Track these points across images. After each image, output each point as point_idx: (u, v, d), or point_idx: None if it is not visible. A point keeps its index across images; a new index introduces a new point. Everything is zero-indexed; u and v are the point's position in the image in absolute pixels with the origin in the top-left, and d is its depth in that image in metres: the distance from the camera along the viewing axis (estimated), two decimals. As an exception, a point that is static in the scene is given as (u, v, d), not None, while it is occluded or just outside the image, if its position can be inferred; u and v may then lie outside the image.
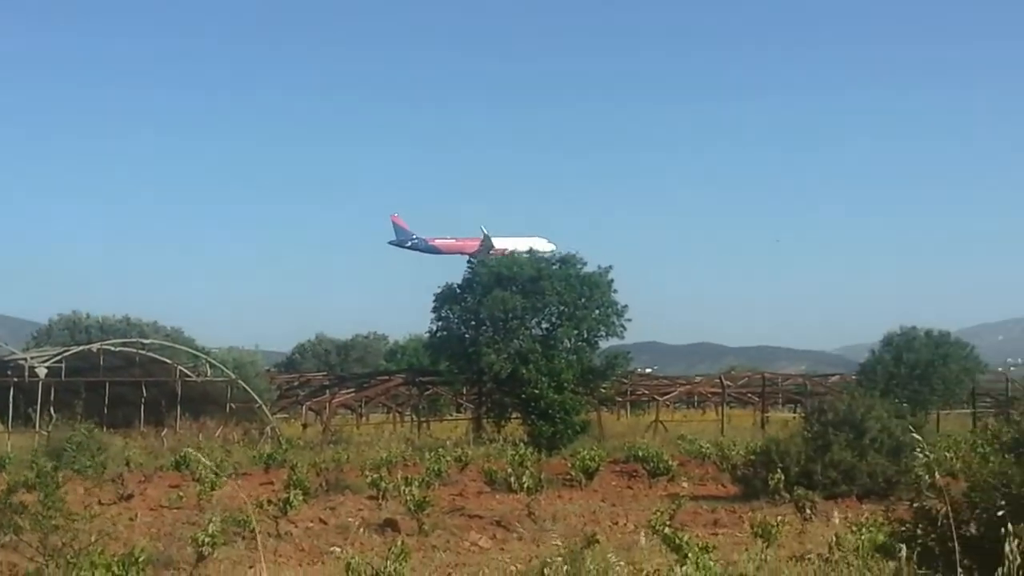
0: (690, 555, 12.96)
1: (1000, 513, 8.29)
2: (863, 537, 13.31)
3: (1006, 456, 8.76)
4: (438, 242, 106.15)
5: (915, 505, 9.33)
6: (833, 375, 78.13)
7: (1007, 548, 7.57)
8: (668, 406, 65.06)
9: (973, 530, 8.86)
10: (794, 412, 63.89)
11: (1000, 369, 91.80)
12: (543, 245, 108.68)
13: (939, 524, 8.55)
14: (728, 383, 63.92)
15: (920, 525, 9.01)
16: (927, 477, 8.94)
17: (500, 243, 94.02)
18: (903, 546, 9.05)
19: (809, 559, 14.43)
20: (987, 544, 8.15)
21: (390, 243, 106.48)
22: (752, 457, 28.80)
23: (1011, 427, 9.39)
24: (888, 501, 17.55)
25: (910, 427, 19.63)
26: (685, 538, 13.91)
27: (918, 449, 8.77)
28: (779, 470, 25.56)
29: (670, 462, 31.57)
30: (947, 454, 20.05)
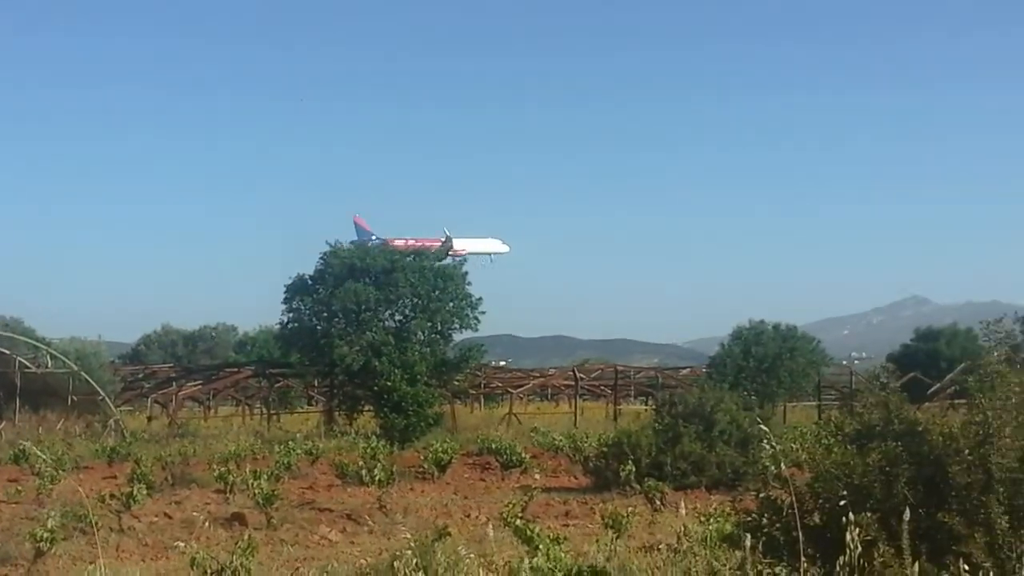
0: (541, 547, 12.97)
1: (842, 503, 8.52)
2: (711, 527, 13.57)
3: (848, 447, 8.99)
4: (397, 242, 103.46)
5: (761, 496, 9.51)
6: (684, 368, 79.84)
7: (848, 537, 7.76)
8: (522, 399, 65.36)
9: (817, 520, 9.07)
10: (646, 405, 65.04)
11: (845, 362, 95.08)
12: (498, 246, 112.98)
13: (784, 514, 8.73)
14: (581, 376, 64.59)
15: (765, 515, 9.19)
16: (772, 468, 9.14)
17: (459, 244, 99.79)
18: (748, 536, 9.22)
19: (658, 549, 14.63)
20: (830, 533, 8.35)
21: (351, 243, 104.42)
22: (604, 449, 29.12)
23: (854, 419, 9.64)
24: (736, 492, 17.94)
25: (757, 419, 20.11)
26: (536, 530, 13.92)
27: (764, 440, 8.94)
28: (630, 462, 25.89)
29: (523, 454, 31.71)
30: (793, 446, 20.59)
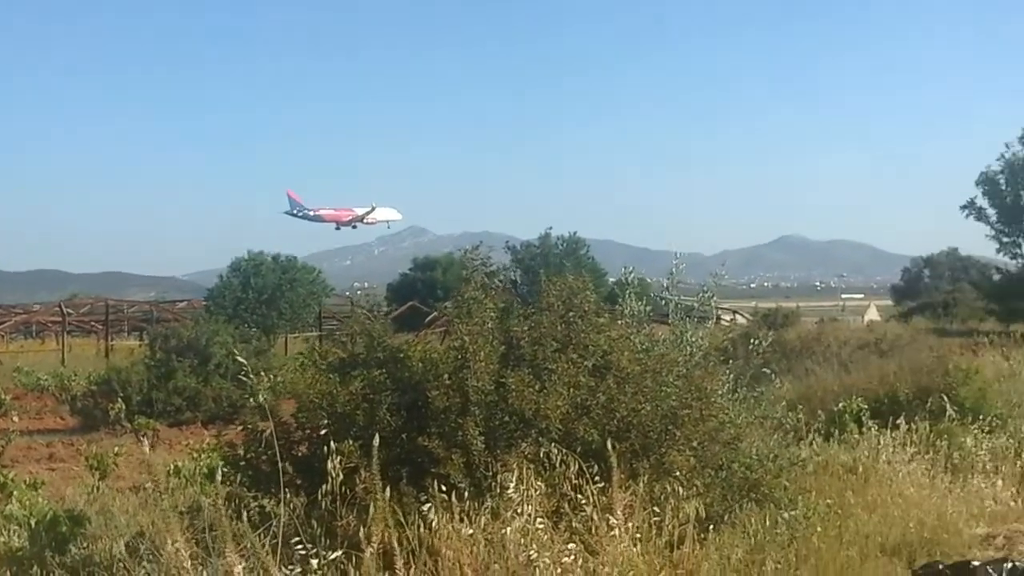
0: (15, 493, 12.31)
1: (323, 432, 8.66)
2: (201, 463, 13.41)
3: (331, 376, 9.12)
4: (322, 212, 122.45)
5: (244, 428, 9.46)
6: (182, 301, 78.11)
7: (330, 465, 7.89)
8: (3, 337, 60.96)
9: (304, 450, 9.16)
10: (140, 340, 63.00)
11: (347, 293, 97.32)
12: (395, 215, 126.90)
13: (269, 446, 8.72)
14: (69, 311, 61.34)
15: (251, 448, 9.16)
16: (252, 400, 9.10)
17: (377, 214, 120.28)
18: (232, 469, 9.16)
19: (145, 488, 14.20)
20: (316, 463, 8.43)
21: (285, 213, 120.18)
22: (93, 388, 27.96)
23: (338, 347, 9.80)
24: (234, 426, 17.81)
25: (233, 351, 19.99)
26: (11, 475, 13.17)
27: (243, 372, 8.88)
28: (120, 399, 25.03)
29: (3, 396, 29.63)
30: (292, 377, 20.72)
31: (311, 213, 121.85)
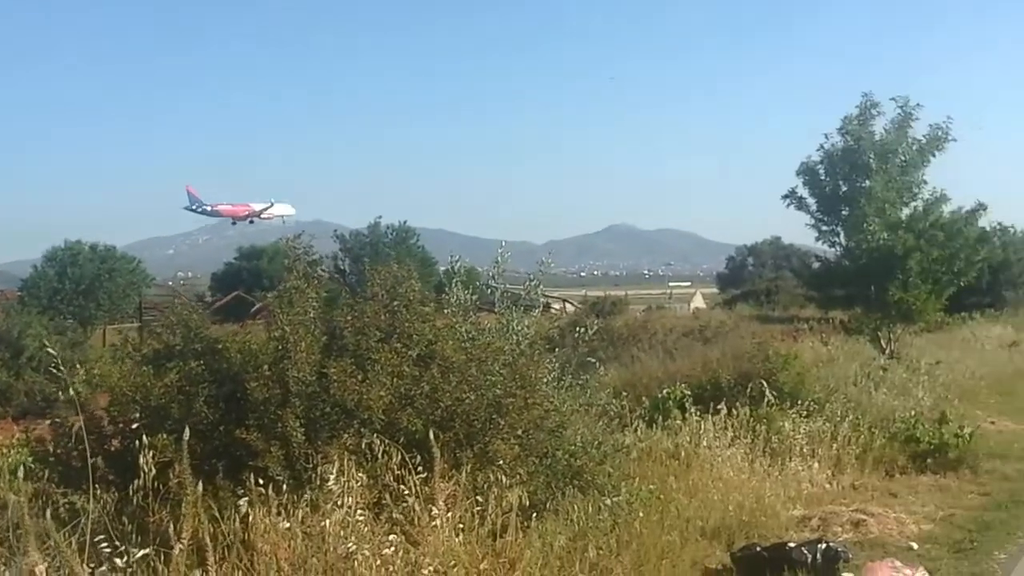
0: None
1: (135, 426, 8.40)
2: (9, 460, 12.87)
3: (146, 368, 8.85)
4: (220, 207, 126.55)
5: (53, 423, 9.12)
6: (-7, 291, 74.87)
7: (142, 460, 7.66)
8: None
9: (117, 444, 8.87)
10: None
11: (171, 283, 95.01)
12: (290, 210, 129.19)
13: (80, 441, 8.41)
14: None
15: (60, 444, 8.83)
16: (61, 393, 8.75)
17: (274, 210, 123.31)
18: (43, 466, 8.82)
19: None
20: (128, 458, 8.17)
21: (184, 208, 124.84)
22: None
23: (153, 338, 9.53)
24: (46, 421, 17.15)
25: (45, 343, 19.29)
26: None
27: (53, 365, 8.55)
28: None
29: None
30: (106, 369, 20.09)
31: (209, 208, 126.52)
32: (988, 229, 26.16)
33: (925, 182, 24.95)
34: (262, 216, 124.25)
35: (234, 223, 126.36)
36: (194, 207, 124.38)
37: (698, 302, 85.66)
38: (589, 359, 13.18)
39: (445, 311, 10.96)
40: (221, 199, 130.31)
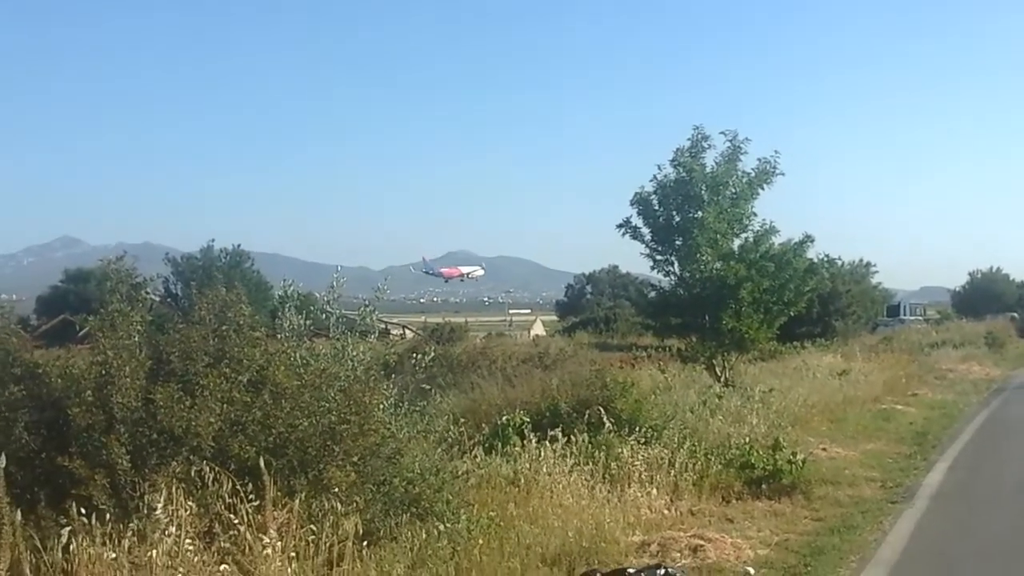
0: None
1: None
2: None
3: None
4: (442, 270, 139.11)
5: None
6: None
7: (-45, 490, 7.39)
8: None
9: None
10: None
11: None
12: (479, 271, 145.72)
13: None
14: None
15: None
16: None
17: None
18: None
19: None
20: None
21: (422, 271, 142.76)
22: None
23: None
24: None
25: None
26: None
27: None
28: None
29: None
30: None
31: (434, 272, 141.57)
32: (816, 260, 26.96)
33: (755, 214, 25.61)
34: (469, 276, 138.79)
35: (446, 281, 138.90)
36: (426, 271, 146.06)
37: (538, 329, 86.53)
38: (426, 386, 13.20)
39: (278, 336, 10.87)
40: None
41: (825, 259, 27.12)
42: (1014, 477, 17.28)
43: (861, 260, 66.20)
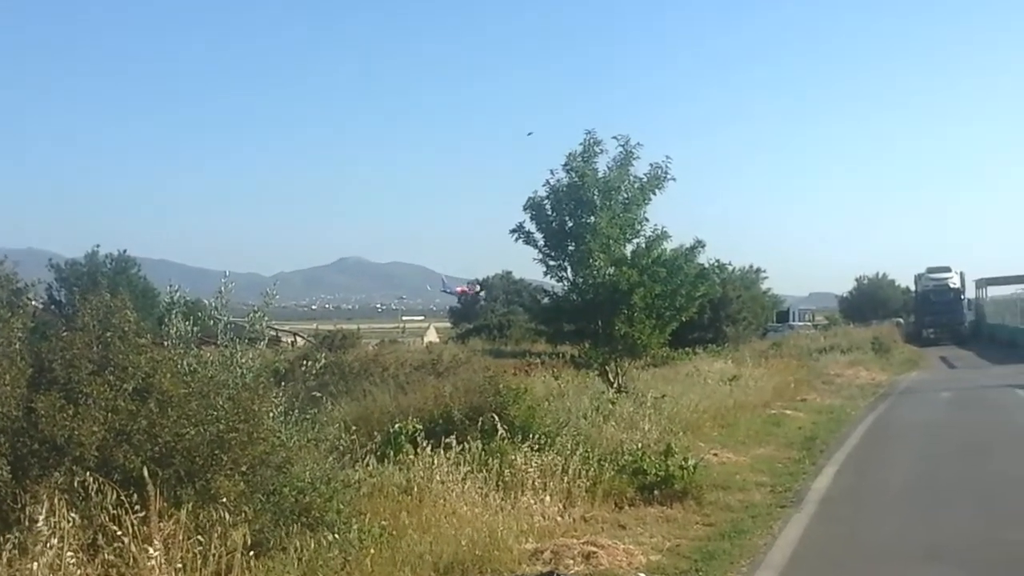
0: None
1: None
2: None
3: None
4: (459, 288, 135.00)
5: None
6: None
7: None
8: None
9: None
10: None
11: None
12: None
13: None
14: None
15: None
16: None
17: None
18: None
19: None
20: None
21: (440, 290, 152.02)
22: None
23: None
24: None
25: None
26: None
27: None
28: None
29: None
30: None
31: (450, 290, 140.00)
32: (707, 266, 27.35)
33: (647, 219, 25.90)
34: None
35: (459, 300, 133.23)
36: (445, 289, 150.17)
37: (431, 336, 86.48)
38: (317, 393, 13.13)
39: (165, 343, 10.73)
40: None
41: (716, 264, 27.45)
42: (899, 481, 17.74)
43: (751, 266, 67.69)
